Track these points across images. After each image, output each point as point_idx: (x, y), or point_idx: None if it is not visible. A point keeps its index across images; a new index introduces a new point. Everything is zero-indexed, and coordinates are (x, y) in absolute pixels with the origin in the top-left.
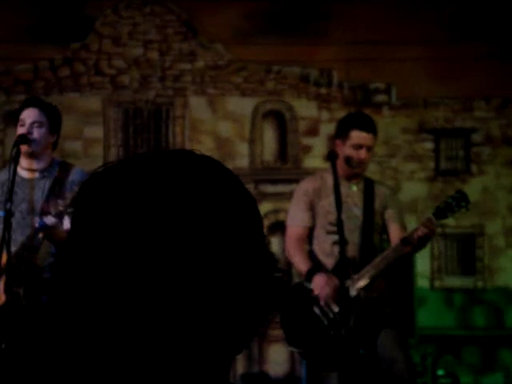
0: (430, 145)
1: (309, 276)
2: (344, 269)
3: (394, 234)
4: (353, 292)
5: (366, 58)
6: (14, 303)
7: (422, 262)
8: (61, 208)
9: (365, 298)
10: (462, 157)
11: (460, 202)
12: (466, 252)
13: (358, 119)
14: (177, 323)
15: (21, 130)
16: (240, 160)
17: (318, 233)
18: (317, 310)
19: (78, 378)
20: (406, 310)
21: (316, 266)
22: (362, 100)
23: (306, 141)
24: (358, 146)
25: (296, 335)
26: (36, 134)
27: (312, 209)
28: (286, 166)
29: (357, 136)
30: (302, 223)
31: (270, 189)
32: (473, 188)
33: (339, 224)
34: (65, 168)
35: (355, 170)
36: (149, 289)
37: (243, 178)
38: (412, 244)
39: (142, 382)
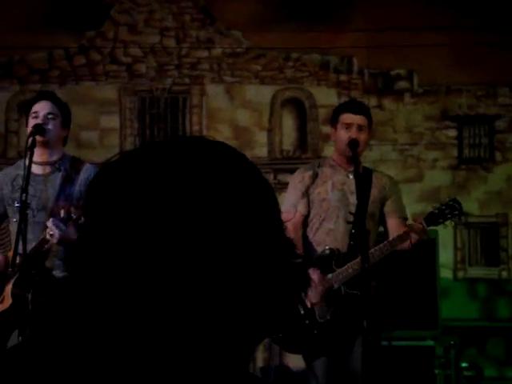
0: (452, 132)
1: None
2: (330, 261)
3: (393, 229)
4: (334, 285)
5: (387, 45)
6: (20, 307)
7: (445, 253)
8: (73, 216)
9: (345, 294)
10: (486, 144)
11: (454, 210)
12: (490, 242)
13: (345, 104)
14: (196, 312)
15: (35, 122)
16: (259, 149)
17: (312, 221)
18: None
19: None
20: (428, 301)
21: (309, 250)
22: (383, 87)
23: (326, 129)
24: (348, 125)
25: None
26: (51, 125)
27: (307, 196)
28: (306, 155)
29: (345, 117)
30: (296, 210)
31: (290, 178)
32: (497, 176)
33: (360, 213)
34: (75, 164)
35: (351, 153)
36: (168, 277)
37: (262, 167)
38: (404, 246)
39: (162, 372)
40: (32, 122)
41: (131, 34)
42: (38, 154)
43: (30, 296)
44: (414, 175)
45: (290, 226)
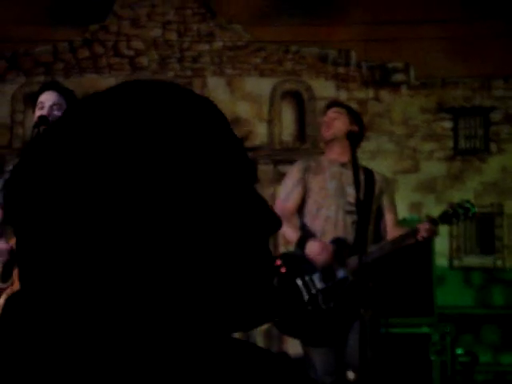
0: (448, 124)
1: (301, 242)
2: (341, 249)
3: (390, 224)
4: (341, 274)
5: (384, 38)
6: None
7: (441, 241)
8: None
9: (351, 283)
10: (481, 136)
11: (468, 212)
12: (485, 231)
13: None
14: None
15: (40, 113)
16: (258, 140)
17: (310, 209)
18: (299, 283)
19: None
20: (424, 289)
21: (308, 234)
22: (381, 79)
23: None
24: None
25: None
26: (56, 116)
27: (304, 185)
28: (305, 146)
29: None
30: (291, 198)
31: (289, 169)
32: (492, 167)
33: (358, 203)
34: None
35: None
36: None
37: (262, 158)
38: (412, 241)
39: (171, 338)
40: (38, 113)
41: (134, 28)
42: None
43: None
44: (411, 166)
45: (282, 213)
